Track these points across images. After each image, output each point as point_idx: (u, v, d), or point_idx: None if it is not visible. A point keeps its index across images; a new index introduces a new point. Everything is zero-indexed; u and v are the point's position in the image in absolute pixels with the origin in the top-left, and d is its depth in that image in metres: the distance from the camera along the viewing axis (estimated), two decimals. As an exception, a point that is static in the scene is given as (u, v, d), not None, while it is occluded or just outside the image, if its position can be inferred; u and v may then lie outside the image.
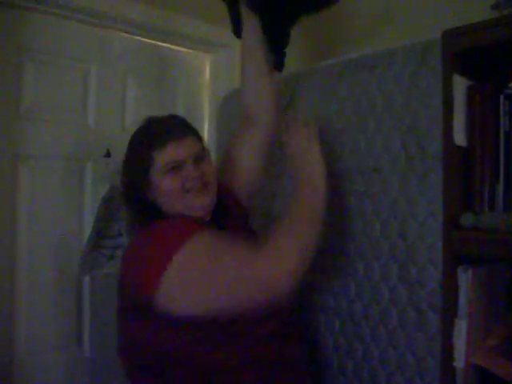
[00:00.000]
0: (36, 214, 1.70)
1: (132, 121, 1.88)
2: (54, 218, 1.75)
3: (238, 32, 1.52)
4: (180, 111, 2.00)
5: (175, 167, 1.24)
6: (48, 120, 1.73)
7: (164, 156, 1.24)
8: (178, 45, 2.02)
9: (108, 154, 1.83)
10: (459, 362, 1.14)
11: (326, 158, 1.29)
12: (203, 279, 1.12)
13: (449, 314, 1.14)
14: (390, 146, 1.34)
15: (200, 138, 1.32)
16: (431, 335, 1.26)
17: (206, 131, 2.09)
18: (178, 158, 1.24)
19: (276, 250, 1.13)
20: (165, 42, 1.99)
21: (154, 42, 1.96)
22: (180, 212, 1.26)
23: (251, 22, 1.45)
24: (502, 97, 1.08)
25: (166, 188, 1.24)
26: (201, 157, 1.28)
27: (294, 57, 1.73)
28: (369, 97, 1.40)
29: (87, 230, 1.76)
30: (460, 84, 1.12)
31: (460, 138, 1.12)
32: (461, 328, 1.14)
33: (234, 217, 1.37)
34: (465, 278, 1.14)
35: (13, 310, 1.66)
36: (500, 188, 1.09)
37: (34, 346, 1.70)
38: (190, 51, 2.07)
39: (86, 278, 1.67)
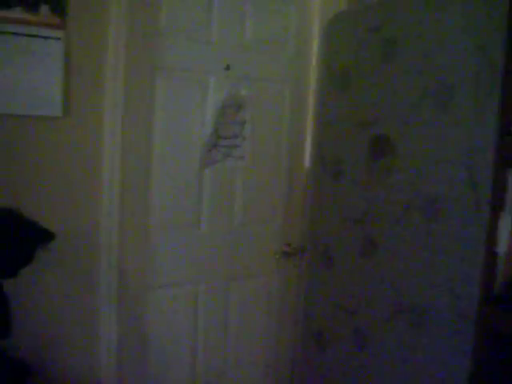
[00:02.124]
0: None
1: (249, 38, 2.14)
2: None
3: None
4: (292, 30, 2.25)
5: None
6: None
7: None
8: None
9: (228, 67, 2.10)
10: (501, 248, 1.31)
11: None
12: None
13: (496, 208, 1.32)
14: (462, 65, 1.52)
15: None
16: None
17: (316, 50, 2.28)
18: None
19: None
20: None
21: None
22: None
23: None
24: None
25: None
26: None
27: None
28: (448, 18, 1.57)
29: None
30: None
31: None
32: (505, 220, 1.31)
33: None
34: (513, 179, 1.31)
35: (148, 192, 2.01)
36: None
37: (164, 221, 2.07)
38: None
39: (206, 171, 2.11)
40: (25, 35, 1.68)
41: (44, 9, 1.70)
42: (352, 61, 1.96)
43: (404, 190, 1.72)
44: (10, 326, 1.24)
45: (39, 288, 1.78)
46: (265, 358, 2.37)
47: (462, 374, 1.49)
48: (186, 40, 2.00)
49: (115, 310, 1.93)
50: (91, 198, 1.86)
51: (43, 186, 1.77)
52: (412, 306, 1.67)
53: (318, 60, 2.23)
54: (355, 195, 1.95)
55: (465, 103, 1.52)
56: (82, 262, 1.86)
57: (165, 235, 2.06)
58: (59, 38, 1.73)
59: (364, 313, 1.89)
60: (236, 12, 2.09)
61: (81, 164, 1.83)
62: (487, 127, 1.46)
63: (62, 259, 1.80)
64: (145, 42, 1.91)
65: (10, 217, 1.22)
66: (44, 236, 1.24)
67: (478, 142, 1.48)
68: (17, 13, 1.66)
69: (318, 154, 2.20)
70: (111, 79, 1.83)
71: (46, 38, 1.70)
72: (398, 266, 1.72)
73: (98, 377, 1.94)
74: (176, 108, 2.02)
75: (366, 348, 1.88)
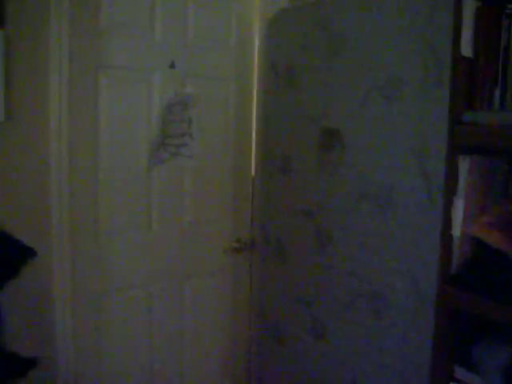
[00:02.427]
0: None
1: (193, 35, 2.13)
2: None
3: None
4: (234, 27, 2.26)
5: None
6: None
7: None
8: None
9: (172, 65, 2.07)
10: (456, 231, 1.39)
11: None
12: None
13: (449, 193, 1.40)
14: (411, 60, 1.59)
15: None
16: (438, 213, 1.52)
17: (258, 46, 2.30)
18: None
19: None
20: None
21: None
22: None
23: None
24: (503, 16, 1.35)
25: None
26: None
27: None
28: (394, 15, 1.64)
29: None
30: (469, 5, 1.38)
31: (467, 50, 1.39)
32: (458, 204, 1.39)
33: None
34: (464, 165, 1.40)
35: (97, 195, 1.96)
36: (497, 92, 1.36)
37: (115, 223, 2.02)
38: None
39: (154, 171, 2.07)
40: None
41: (-20, 6, 1.62)
42: (298, 57, 2.01)
43: (356, 181, 1.78)
44: None
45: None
46: (222, 355, 2.38)
47: (424, 351, 1.57)
48: (130, 39, 1.96)
49: (70, 315, 1.88)
50: (39, 204, 1.79)
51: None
52: (371, 292, 1.73)
53: (261, 56, 2.26)
54: (306, 188, 2.00)
55: (412, 95, 1.60)
56: (34, 269, 1.79)
57: (115, 238, 2.01)
58: (-2, 38, 1.65)
59: (321, 302, 1.94)
60: (178, 10, 2.08)
61: (27, 169, 1.75)
62: (435, 118, 1.54)
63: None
64: (87, 40, 1.85)
65: None
66: (27, 253, 1.25)
67: (427, 132, 1.57)
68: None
69: (266, 150, 2.23)
70: (55, 80, 1.77)
71: (-17, 37, 1.62)
72: (354, 255, 1.79)
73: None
74: (121, 107, 1.97)
75: (326, 336, 1.93)
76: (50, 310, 1.84)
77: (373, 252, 1.73)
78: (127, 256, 2.04)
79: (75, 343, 1.91)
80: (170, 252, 2.15)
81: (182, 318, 2.23)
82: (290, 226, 2.07)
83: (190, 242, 2.20)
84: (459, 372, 1.45)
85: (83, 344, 1.94)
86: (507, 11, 1.35)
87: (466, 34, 1.39)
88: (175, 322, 2.22)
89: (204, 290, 2.28)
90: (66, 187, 1.82)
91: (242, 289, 2.39)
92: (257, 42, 2.28)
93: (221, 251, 2.30)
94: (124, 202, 2.01)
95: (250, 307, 2.39)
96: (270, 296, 2.22)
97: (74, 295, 1.88)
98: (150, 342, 2.15)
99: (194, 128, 2.14)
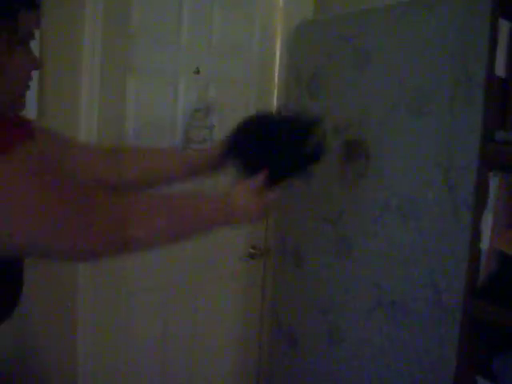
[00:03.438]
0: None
1: (217, 42, 2.15)
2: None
3: None
4: (257, 35, 2.29)
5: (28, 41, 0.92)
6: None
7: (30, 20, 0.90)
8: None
9: (197, 71, 2.09)
10: (484, 245, 1.43)
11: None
12: None
13: (479, 208, 1.44)
14: (441, 77, 1.63)
15: None
16: (463, 226, 1.57)
17: (280, 56, 2.33)
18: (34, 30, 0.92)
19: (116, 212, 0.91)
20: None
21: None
22: None
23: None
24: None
25: (17, 63, 0.90)
26: None
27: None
28: (424, 32, 1.67)
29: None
30: (504, 26, 1.42)
31: (500, 70, 1.43)
32: (487, 219, 1.43)
33: None
34: (494, 182, 1.44)
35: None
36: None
37: None
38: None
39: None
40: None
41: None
42: (322, 67, 2.04)
43: (379, 191, 1.82)
44: None
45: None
46: (232, 359, 2.40)
47: (444, 361, 1.61)
48: (157, 43, 1.98)
49: (92, 318, 1.90)
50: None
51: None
52: (392, 301, 1.77)
53: (282, 65, 2.29)
54: (326, 197, 2.03)
55: (441, 110, 1.64)
56: (62, 271, 1.80)
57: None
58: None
59: (339, 309, 1.97)
60: (204, 17, 2.10)
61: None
62: (463, 133, 1.58)
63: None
64: (118, 43, 1.87)
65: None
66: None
67: (454, 146, 1.61)
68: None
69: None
70: (86, 80, 1.78)
71: (20, 34, 1.62)
72: (376, 264, 1.82)
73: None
74: (148, 111, 1.99)
75: (342, 343, 1.96)
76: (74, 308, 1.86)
77: (395, 262, 1.77)
78: (144, 260, 2.04)
79: (94, 341, 1.93)
80: (187, 256, 2.17)
81: (195, 321, 2.24)
82: (309, 233, 2.10)
83: (206, 246, 2.21)
84: (481, 382, 1.50)
85: (102, 344, 1.96)
86: (542, 34, 1.40)
87: (500, 55, 1.44)
88: (188, 325, 2.23)
89: (218, 295, 2.29)
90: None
91: (256, 295, 2.41)
92: (279, 51, 2.31)
93: (236, 257, 2.32)
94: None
95: (262, 313, 2.41)
96: (285, 302, 2.25)
97: (96, 296, 1.90)
98: (164, 343, 2.16)
99: (215, 134, 2.16)
